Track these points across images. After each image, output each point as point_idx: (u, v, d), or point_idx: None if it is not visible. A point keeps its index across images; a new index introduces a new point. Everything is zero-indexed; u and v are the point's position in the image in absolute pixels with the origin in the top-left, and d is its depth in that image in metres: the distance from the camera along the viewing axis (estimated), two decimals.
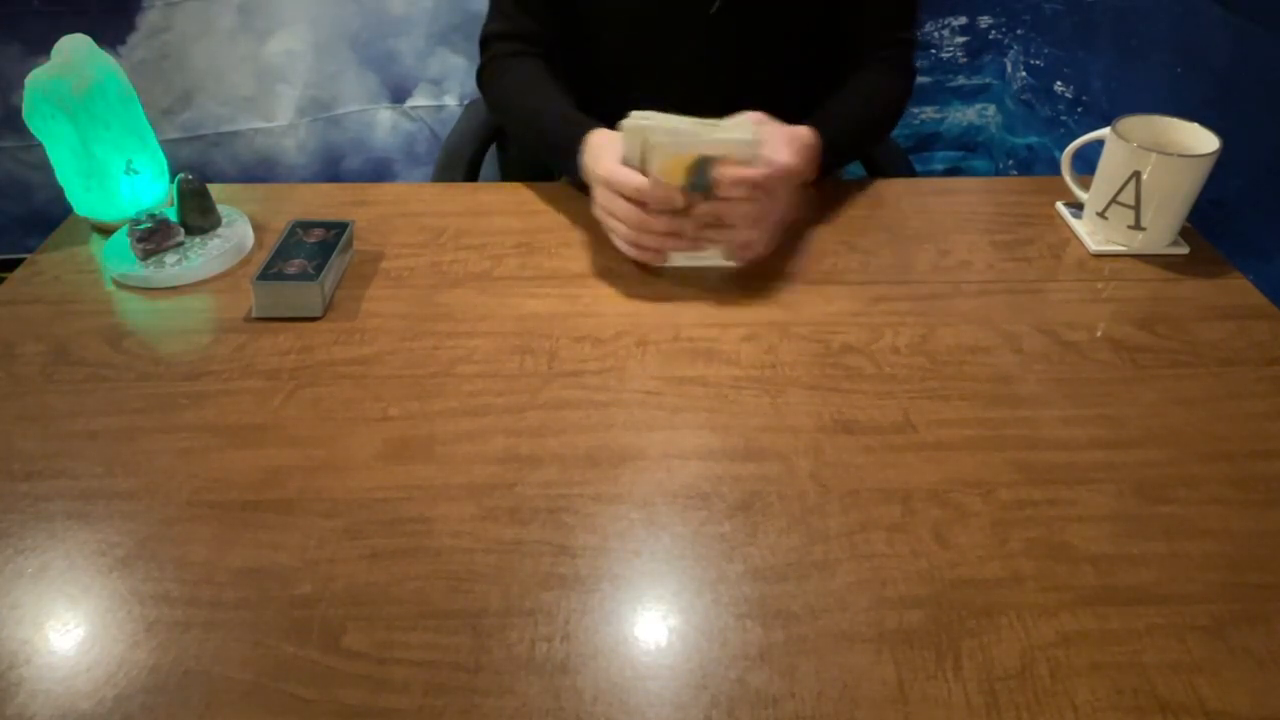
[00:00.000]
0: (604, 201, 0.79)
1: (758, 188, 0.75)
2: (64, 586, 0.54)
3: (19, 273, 0.83)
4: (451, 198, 0.96)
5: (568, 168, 0.88)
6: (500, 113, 1.01)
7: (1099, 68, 1.42)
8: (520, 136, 0.99)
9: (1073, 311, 0.78)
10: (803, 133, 0.84)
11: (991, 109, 1.80)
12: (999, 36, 1.72)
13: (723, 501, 0.60)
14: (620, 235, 0.80)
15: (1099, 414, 0.67)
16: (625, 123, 0.75)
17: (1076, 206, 0.91)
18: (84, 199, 0.87)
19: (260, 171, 1.66)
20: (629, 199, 0.77)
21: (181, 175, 0.84)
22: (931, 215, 0.92)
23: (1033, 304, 0.79)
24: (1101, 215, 0.86)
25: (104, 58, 0.83)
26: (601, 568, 0.55)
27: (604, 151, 0.79)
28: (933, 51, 1.73)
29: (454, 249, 0.86)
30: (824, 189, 0.89)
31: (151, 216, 0.82)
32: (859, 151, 1.06)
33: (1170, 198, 0.82)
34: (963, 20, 1.70)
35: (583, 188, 0.90)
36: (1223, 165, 0.79)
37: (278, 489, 0.60)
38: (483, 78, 1.01)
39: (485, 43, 1.00)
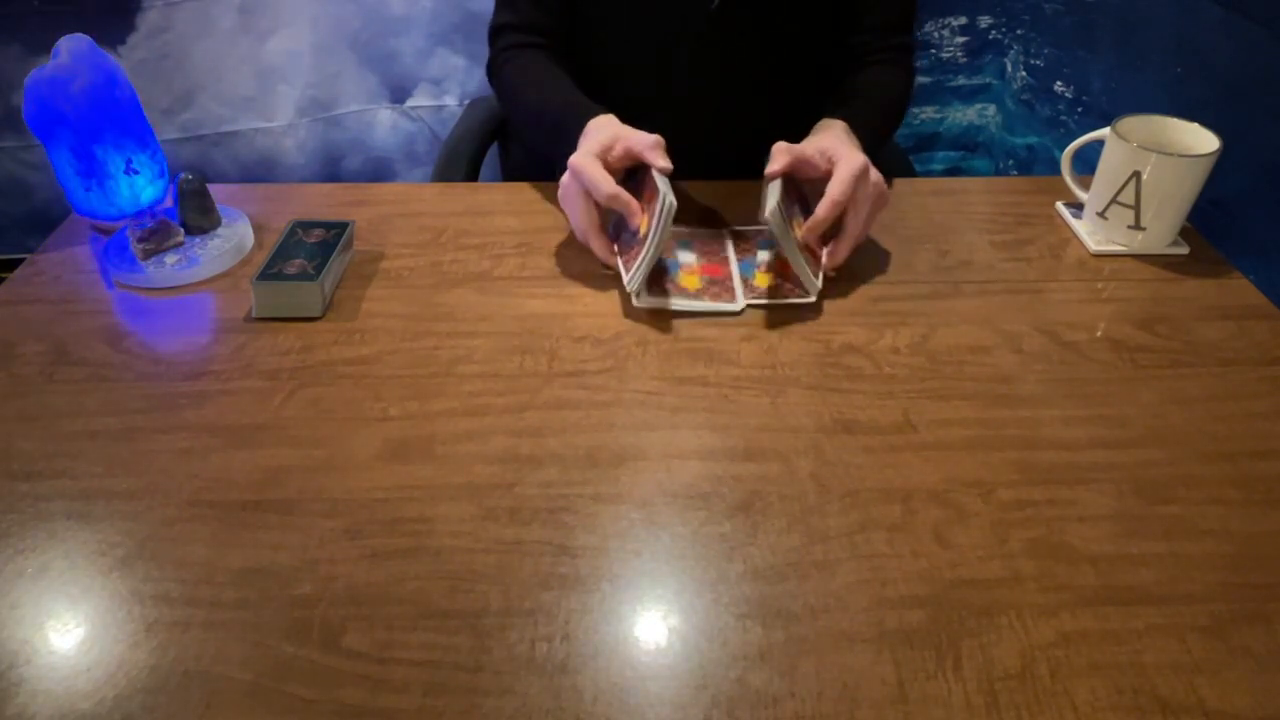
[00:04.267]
0: (562, 191, 0.81)
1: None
2: (64, 586, 0.54)
3: (19, 273, 0.83)
4: (451, 198, 0.96)
5: (565, 153, 0.87)
6: (507, 103, 1.01)
7: (1099, 68, 1.42)
8: (524, 126, 0.98)
9: (1073, 311, 0.78)
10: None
11: (991, 109, 1.80)
12: (999, 36, 1.72)
13: (723, 501, 0.60)
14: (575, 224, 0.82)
15: (1099, 414, 0.67)
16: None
17: (1076, 206, 0.91)
18: (84, 199, 0.87)
19: (260, 171, 1.66)
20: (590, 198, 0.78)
21: (181, 175, 0.84)
22: (931, 215, 0.92)
23: (1033, 304, 0.79)
24: (1101, 215, 0.86)
25: (104, 58, 0.83)
26: (601, 568, 0.55)
27: (586, 139, 0.80)
28: (933, 51, 1.73)
29: (454, 249, 0.86)
30: None
31: (152, 216, 0.82)
32: (878, 149, 1.06)
33: (1170, 198, 0.82)
34: (963, 20, 1.70)
35: None
36: (1223, 165, 0.79)
37: (278, 489, 0.60)
38: (492, 69, 1.01)
39: (494, 35, 1.00)
